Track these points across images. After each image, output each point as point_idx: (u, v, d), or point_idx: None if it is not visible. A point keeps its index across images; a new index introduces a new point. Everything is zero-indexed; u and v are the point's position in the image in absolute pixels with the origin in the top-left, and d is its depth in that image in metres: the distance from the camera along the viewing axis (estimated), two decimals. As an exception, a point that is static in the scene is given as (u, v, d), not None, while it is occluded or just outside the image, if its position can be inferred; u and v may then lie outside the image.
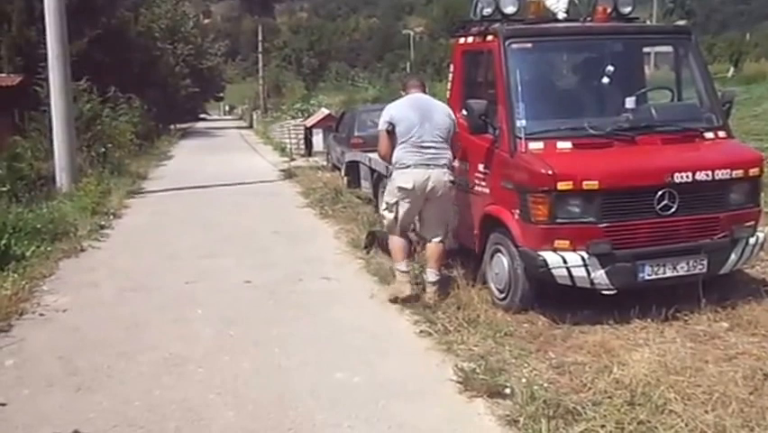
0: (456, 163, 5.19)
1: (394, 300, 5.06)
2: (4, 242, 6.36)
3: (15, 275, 5.78)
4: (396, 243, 5.21)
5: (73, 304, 5.31)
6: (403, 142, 4.99)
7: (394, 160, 5.07)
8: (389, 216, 5.15)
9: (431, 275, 5.09)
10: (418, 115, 4.99)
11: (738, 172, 4.61)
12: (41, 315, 5.07)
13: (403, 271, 5.12)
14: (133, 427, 3.34)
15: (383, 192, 8.10)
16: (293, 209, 9.75)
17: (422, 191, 4.96)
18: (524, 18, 5.32)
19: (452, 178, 5.03)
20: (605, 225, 4.39)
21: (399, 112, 5.07)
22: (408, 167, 4.96)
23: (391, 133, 5.05)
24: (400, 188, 5.01)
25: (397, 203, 5.07)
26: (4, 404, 3.59)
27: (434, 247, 5.12)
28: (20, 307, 5.11)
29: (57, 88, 10.87)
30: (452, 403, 3.53)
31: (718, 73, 23.48)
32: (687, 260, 4.51)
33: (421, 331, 4.52)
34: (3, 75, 15.65)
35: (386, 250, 6.36)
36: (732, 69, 28.44)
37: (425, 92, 5.33)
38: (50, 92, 10.98)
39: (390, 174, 5.22)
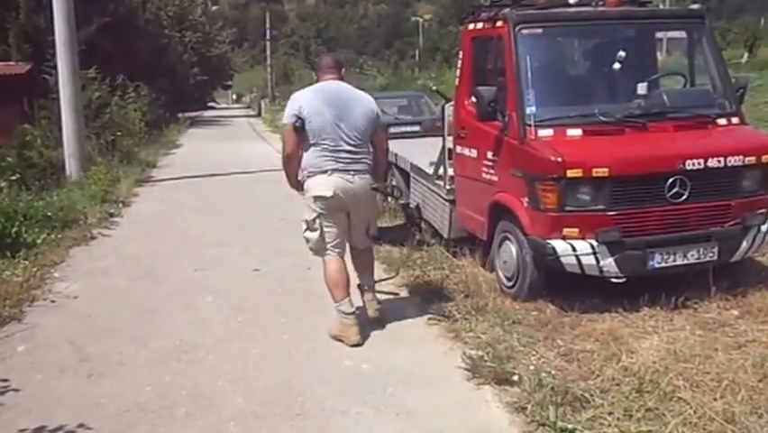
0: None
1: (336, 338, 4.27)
2: (14, 229, 6.43)
3: (26, 262, 5.85)
4: (332, 274, 4.27)
5: (84, 291, 5.36)
6: (314, 145, 4.16)
7: (305, 164, 4.24)
8: (313, 235, 4.27)
9: (367, 279, 4.49)
10: (333, 111, 4.14)
11: (751, 159, 4.57)
12: (53, 301, 5.12)
13: (347, 313, 4.23)
14: (144, 412, 3.37)
15: (392, 181, 8.15)
16: (301, 198, 9.76)
17: (344, 199, 4.20)
18: (534, 3, 5.27)
19: (374, 184, 4.33)
20: (615, 212, 4.37)
21: (311, 106, 4.16)
22: (326, 172, 4.16)
23: (299, 129, 4.17)
24: (318, 198, 4.19)
25: (318, 218, 4.24)
26: (17, 389, 3.64)
27: (362, 255, 4.51)
28: (31, 294, 5.17)
29: (65, 76, 10.89)
30: (459, 390, 3.54)
31: (732, 59, 23.22)
32: (697, 248, 4.48)
33: (429, 319, 4.53)
34: (11, 63, 15.68)
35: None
36: (746, 55, 28.10)
37: (341, 78, 4.36)
38: (59, 80, 11.00)
39: (302, 184, 4.32)
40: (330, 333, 4.30)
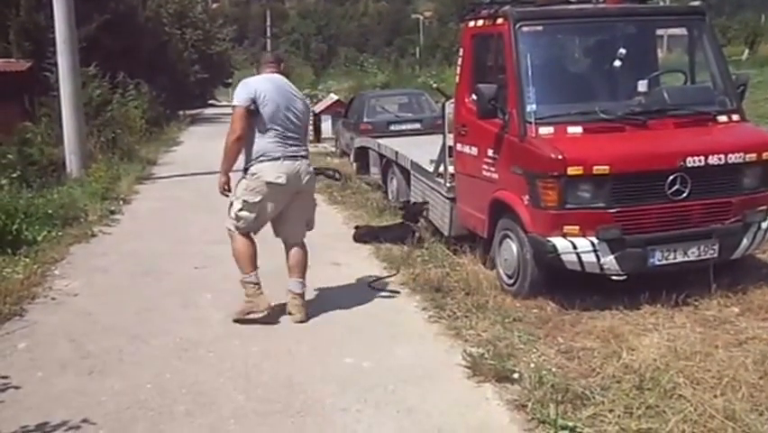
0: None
1: (243, 320, 4.45)
2: (15, 227, 6.42)
3: (27, 260, 5.84)
4: (245, 248, 4.50)
5: (84, 288, 5.36)
6: (267, 130, 4.34)
7: (256, 150, 4.36)
8: (250, 216, 4.42)
9: (296, 285, 4.52)
10: (283, 100, 4.39)
11: (751, 156, 4.57)
12: (53, 299, 5.12)
13: (254, 283, 4.45)
14: (145, 409, 3.37)
15: (392, 179, 8.16)
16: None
17: (294, 186, 4.42)
18: (534, 0, 5.26)
19: (317, 168, 4.79)
20: (615, 210, 4.37)
21: (266, 91, 4.34)
22: (278, 159, 4.34)
23: (252, 113, 4.33)
24: (271, 184, 4.33)
25: (261, 201, 4.39)
26: (18, 387, 3.63)
27: (298, 252, 4.56)
28: (32, 291, 5.16)
29: (65, 73, 10.88)
30: (460, 388, 3.54)
31: (733, 56, 23.15)
32: (698, 245, 4.48)
33: (430, 316, 4.53)
34: (12, 60, 15.65)
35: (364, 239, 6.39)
36: (746, 52, 28.02)
37: (282, 72, 4.62)
38: (59, 77, 10.99)
39: (248, 168, 4.44)
40: (238, 315, 4.47)
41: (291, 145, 4.41)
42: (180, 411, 3.35)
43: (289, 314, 4.58)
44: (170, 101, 26.06)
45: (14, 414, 3.33)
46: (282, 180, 4.34)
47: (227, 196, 4.55)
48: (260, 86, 4.38)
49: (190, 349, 4.12)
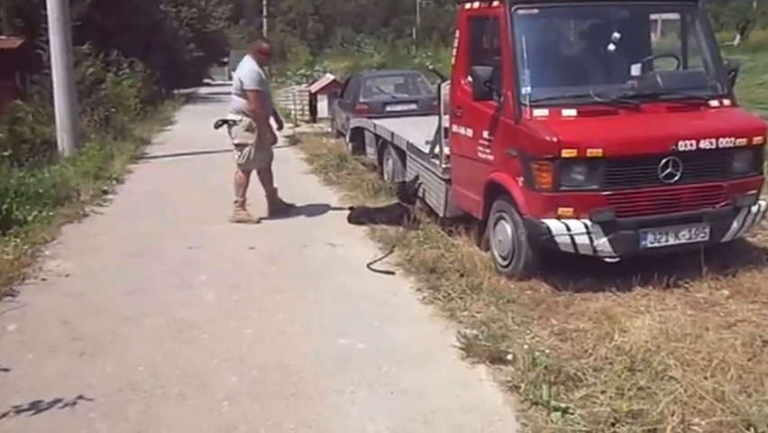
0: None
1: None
2: (5, 206, 6.35)
3: (17, 240, 5.79)
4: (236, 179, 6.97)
5: (76, 269, 5.34)
6: None
7: None
8: None
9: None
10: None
11: (742, 141, 4.58)
12: (44, 280, 5.09)
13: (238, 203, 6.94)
14: (137, 391, 3.37)
15: (388, 159, 8.16)
16: (297, 175, 9.71)
17: None
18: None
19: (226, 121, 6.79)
20: (608, 192, 4.37)
21: None
22: None
23: None
24: None
25: None
26: (7, 369, 3.62)
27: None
28: (22, 271, 5.13)
29: (57, 51, 10.73)
30: (454, 369, 3.56)
31: (724, 41, 23.13)
32: (689, 228, 4.50)
33: (424, 298, 4.54)
34: (3, 37, 15.44)
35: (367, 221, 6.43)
36: (738, 38, 27.98)
37: (252, 56, 6.73)
38: (51, 55, 10.86)
39: None
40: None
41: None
42: (173, 393, 3.36)
43: None
44: (165, 80, 25.79)
45: (4, 397, 3.32)
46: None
47: None
48: None
49: (184, 330, 4.12)
